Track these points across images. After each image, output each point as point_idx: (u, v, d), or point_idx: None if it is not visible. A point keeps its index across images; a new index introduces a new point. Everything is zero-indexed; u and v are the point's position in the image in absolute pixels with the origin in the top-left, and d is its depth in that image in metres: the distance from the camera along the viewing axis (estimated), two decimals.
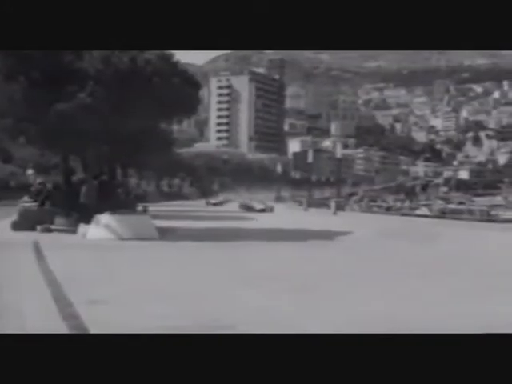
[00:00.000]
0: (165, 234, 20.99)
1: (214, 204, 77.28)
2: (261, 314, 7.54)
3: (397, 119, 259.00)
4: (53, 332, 4.60)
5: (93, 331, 6.07)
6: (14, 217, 22.46)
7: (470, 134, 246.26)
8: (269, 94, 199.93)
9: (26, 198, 23.85)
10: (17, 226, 21.54)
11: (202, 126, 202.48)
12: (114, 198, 24.52)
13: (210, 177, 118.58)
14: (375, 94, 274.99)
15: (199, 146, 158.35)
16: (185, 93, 22.35)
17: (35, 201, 23.26)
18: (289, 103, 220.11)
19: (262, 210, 53.48)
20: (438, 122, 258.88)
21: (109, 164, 26.39)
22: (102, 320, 6.83)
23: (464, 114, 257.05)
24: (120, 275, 11.42)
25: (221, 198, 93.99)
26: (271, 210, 54.97)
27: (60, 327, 6.32)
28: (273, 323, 6.79)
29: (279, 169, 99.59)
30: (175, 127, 60.19)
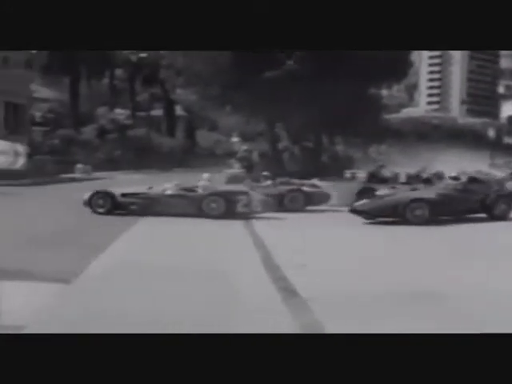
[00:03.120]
0: None
1: None
2: None
3: None
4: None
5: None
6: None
7: None
8: (483, 54, 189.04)
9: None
10: None
11: (412, 90, 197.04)
12: (319, 165, 24.27)
13: (419, 143, 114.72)
14: None
15: (407, 111, 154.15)
16: (395, 56, 21.38)
17: (241, 167, 23.63)
18: (504, 63, 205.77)
19: None
20: None
21: (315, 131, 26.01)
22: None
23: None
24: None
25: None
26: None
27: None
28: None
29: (491, 134, 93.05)
30: (384, 92, 58.46)
